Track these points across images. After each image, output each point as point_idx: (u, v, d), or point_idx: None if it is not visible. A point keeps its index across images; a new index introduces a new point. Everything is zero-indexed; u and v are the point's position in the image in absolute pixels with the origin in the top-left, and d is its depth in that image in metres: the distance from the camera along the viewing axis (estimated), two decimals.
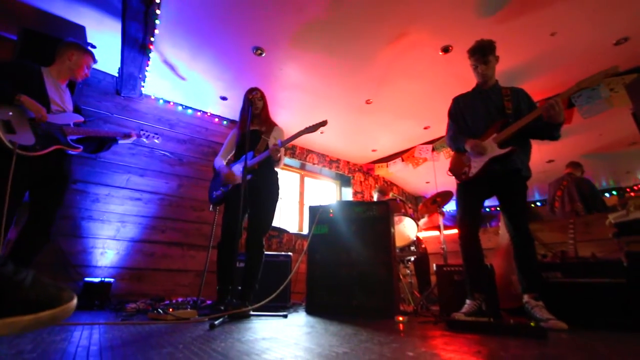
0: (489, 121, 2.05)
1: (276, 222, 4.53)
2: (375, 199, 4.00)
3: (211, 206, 2.46)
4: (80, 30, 2.79)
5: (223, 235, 2.22)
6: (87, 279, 2.69)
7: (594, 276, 1.89)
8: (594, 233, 2.95)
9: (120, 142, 2.28)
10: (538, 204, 7.21)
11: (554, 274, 2.03)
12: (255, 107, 2.38)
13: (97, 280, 2.67)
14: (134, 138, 2.33)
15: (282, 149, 2.32)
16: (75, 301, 0.69)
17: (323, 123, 2.31)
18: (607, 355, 1.00)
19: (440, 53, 3.03)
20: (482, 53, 2.05)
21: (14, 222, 1.85)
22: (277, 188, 2.38)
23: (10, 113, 1.77)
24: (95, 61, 2.21)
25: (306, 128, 2.29)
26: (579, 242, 2.47)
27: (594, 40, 2.86)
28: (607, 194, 6.63)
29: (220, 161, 2.43)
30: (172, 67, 3.30)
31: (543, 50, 3.00)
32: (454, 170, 2.17)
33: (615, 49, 2.94)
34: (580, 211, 3.34)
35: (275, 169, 2.42)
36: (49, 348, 0.93)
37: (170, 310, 1.84)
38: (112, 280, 2.78)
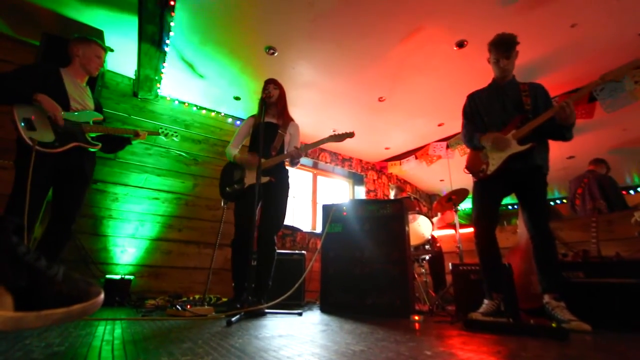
0: (505, 118, 1.99)
1: (289, 221, 4.57)
2: (392, 196, 3.97)
3: (222, 201, 2.44)
4: (99, 34, 2.87)
5: (237, 233, 2.24)
6: (108, 276, 2.78)
7: (619, 276, 1.83)
8: (617, 232, 2.84)
9: (132, 140, 2.28)
10: (558, 201, 7.00)
11: (575, 273, 1.97)
12: (269, 97, 2.33)
13: (117, 277, 2.75)
14: (145, 136, 2.31)
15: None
16: (102, 296, 0.72)
17: (350, 134, 2.30)
18: (632, 358, 0.97)
19: (455, 48, 2.98)
20: (506, 47, 1.99)
21: (40, 220, 1.92)
22: (288, 186, 2.39)
23: (28, 113, 1.82)
24: (104, 49, 2.21)
25: (331, 136, 2.29)
26: (601, 241, 2.38)
27: (616, 31, 2.75)
28: (632, 191, 6.37)
29: (234, 151, 2.40)
30: (187, 69, 3.36)
31: (563, 43, 2.90)
32: (471, 167, 2.12)
33: None
34: (603, 209, 3.22)
35: (287, 167, 2.42)
36: (75, 342, 0.96)
37: (188, 306, 1.89)
38: (131, 277, 2.85)
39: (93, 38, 2.18)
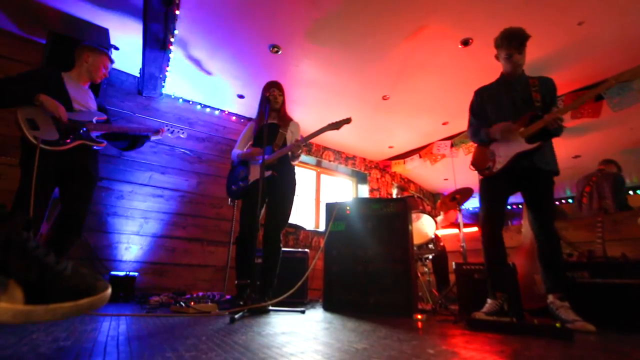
0: (514, 114, 1.95)
1: (293, 219, 4.58)
2: (394, 195, 3.96)
3: (229, 200, 2.47)
4: (104, 32, 2.89)
5: (242, 230, 2.26)
6: (112, 272, 2.80)
7: (624, 277, 1.81)
8: (623, 232, 2.81)
9: (152, 138, 2.34)
10: (563, 201, 6.94)
11: (580, 273, 1.96)
12: (275, 102, 2.39)
13: (122, 274, 2.78)
14: (165, 134, 2.38)
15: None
16: (110, 290, 0.73)
17: (347, 120, 2.27)
18: (636, 359, 0.96)
19: (460, 46, 2.95)
20: (519, 40, 1.92)
21: (46, 217, 1.95)
22: (294, 184, 2.39)
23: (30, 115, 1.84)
24: (112, 61, 2.26)
25: (329, 125, 2.27)
26: (607, 241, 2.36)
27: (624, 29, 2.71)
28: (639, 192, 6.30)
29: (238, 151, 2.44)
30: (191, 67, 3.37)
31: (570, 41, 2.87)
32: (477, 164, 2.10)
33: None
34: (609, 208, 3.19)
35: (292, 164, 2.43)
36: (81, 337, 0.98)
37: (192, 303, 1.90)
38: (136, 274, 2.88)
39: (104, 49, 2.22)
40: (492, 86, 2.14)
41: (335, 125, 2.27)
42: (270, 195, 2.28)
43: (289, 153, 2.32)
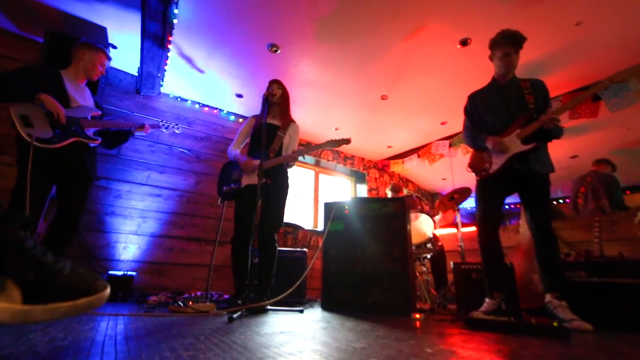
0: (509, 118, 1.97)
1: (291, 219, 4.58)
2: (388, 196, 3.96)
3: (219, 200, 2.44)
4: (102, 31, 2.88)
5: (237, 231, 2.25)
6: (110, 272, 2.79)
7: (621, 276, 1.82)
8: (620, 231, 2.82)
9: (135, 133, 2.29)
10: (560, 201, 6.96)
11: (577, 273, 1.96)
12: (272, 95, 2.33)
13: (120, 273, 2.77)
14: (149, 130, 2.32)
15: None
16: (108, 290, 0.73)
17: (347, 141, 2.29)
18: (634, 358, 0.97)
19: (459, 46, 2.96)
20: (517, 41, 1.93)
21: (43, 216, 1.94)
22: (288, 186, 2.37)
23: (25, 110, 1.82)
24: (109, 58, 2.24)
25: (328, 142, 2.27)
26: (604, 240, 2.37)
27: (623, 30, 2.72)
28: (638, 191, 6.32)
29: (235, 151, 2.41)
30: (189, 66, 3.36)
31: (568, 41, 2.88)
32: (474, 166, 2.11)
33: None
34: (606, 208, 3.21)
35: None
36: (78, 336, 0.97)
37: (190, 303, 1.90)
38: (134, 273, 2.87)
39: (101, 46, 2.20)
40: (485, 91, 2.15)
41: (335, 144, 2.28)
42: (264, 197, 2.26)
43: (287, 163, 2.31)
